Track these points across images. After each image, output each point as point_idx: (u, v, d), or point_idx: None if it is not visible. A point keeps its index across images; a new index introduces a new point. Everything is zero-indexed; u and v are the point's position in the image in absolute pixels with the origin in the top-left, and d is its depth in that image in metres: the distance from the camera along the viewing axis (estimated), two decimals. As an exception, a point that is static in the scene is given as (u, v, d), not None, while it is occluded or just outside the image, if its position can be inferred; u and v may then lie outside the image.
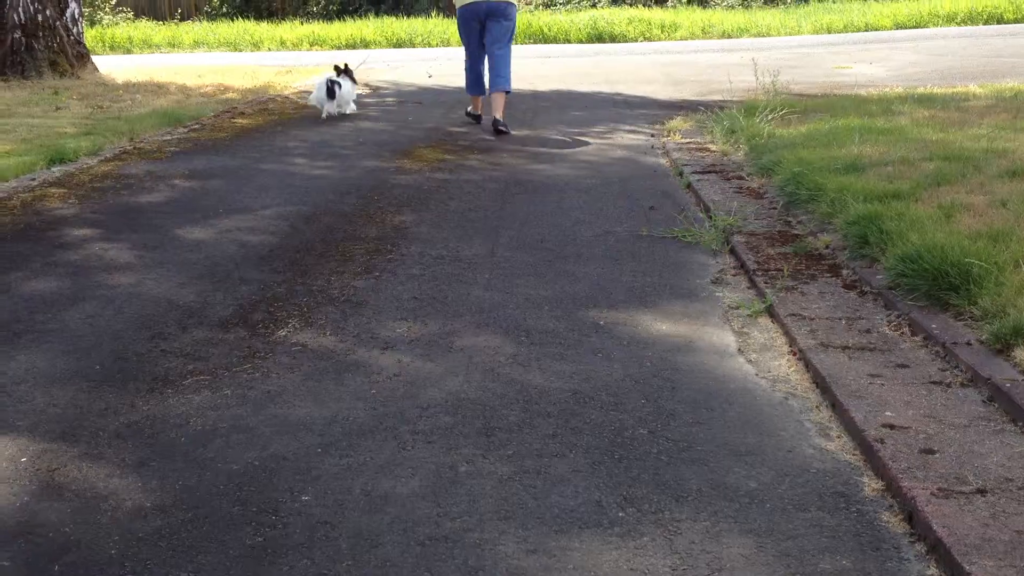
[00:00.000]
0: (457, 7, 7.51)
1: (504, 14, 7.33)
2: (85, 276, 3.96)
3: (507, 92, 7.40)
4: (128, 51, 18.03)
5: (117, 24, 20.37)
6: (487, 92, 7.63)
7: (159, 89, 10.39)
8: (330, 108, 8.22)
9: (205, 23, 20.52)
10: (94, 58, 12.07)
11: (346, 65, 8.39)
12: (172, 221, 4.85)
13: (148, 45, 18.48)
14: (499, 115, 7.36)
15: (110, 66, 12.61)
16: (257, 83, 11.07)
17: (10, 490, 2.28)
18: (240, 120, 8.48)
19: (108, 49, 18.07)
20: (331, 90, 8.13)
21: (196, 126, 8.09)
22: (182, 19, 21.74)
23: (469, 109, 8.14)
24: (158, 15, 22.20)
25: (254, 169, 6.16)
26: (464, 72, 7.86)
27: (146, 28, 19.84)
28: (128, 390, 2.83)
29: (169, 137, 7.53)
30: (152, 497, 2.23)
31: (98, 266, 4.11)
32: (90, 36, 16.19)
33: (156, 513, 2.17)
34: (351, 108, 8.45)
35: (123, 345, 3.19)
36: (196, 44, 18.45)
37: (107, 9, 20.70)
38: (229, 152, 6.84)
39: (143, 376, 2.93)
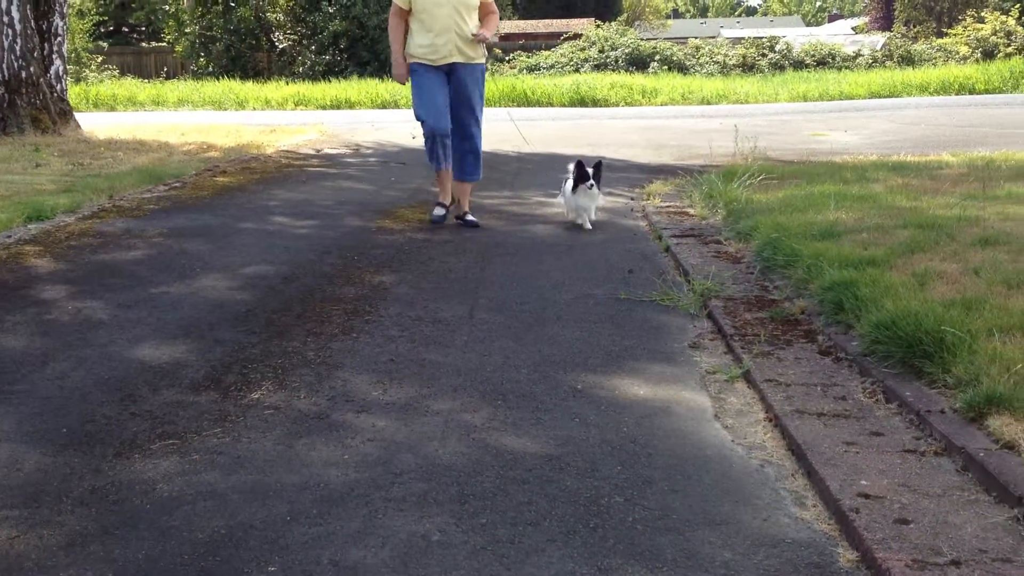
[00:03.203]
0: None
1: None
2: (57, 335, 3.91)
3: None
4: (112, 108, 18.14)
5: (102, 82, 20.54)
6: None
7: (141, 147, 10.43)
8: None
9: (190, 81, 20.73)
10: (78, 115, 12.13)
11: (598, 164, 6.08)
12: (148, 280, 4.82)
13: (132, 103, 18.62)
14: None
15: (93, 123, 12.67)
16: (240, 142, 11.14)
17: (-33, 558, 2.21)
18: (222, 178, 8.51)
19: (92, 106, 18.18)
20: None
21: (177, 184, 8.10)
22: (167, 78, 21.96)
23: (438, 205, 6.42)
24: (143, 73, 22.43)
25: (234, 228, 6.16)
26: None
27: (131, 86, 20.01)
28: (94, 454, 2.78)
29: (149, 195, 7.54)
30: (114, 567, 2.17)
31: (70, 325, 4.06)
32: (75, 93, 16.30)
33: (117, 583, 2.10)
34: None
35: (92, 407, 3.14)
36: (180, 102, 18.60)
37: (93, 67, 20.89)
38: (209, 210, 6.84)
39: (110, 440, 2.88)
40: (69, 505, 2.47)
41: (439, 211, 6.39)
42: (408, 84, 6.17)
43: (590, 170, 5.90)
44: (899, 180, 6.51)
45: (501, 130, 12.59)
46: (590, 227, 6.02)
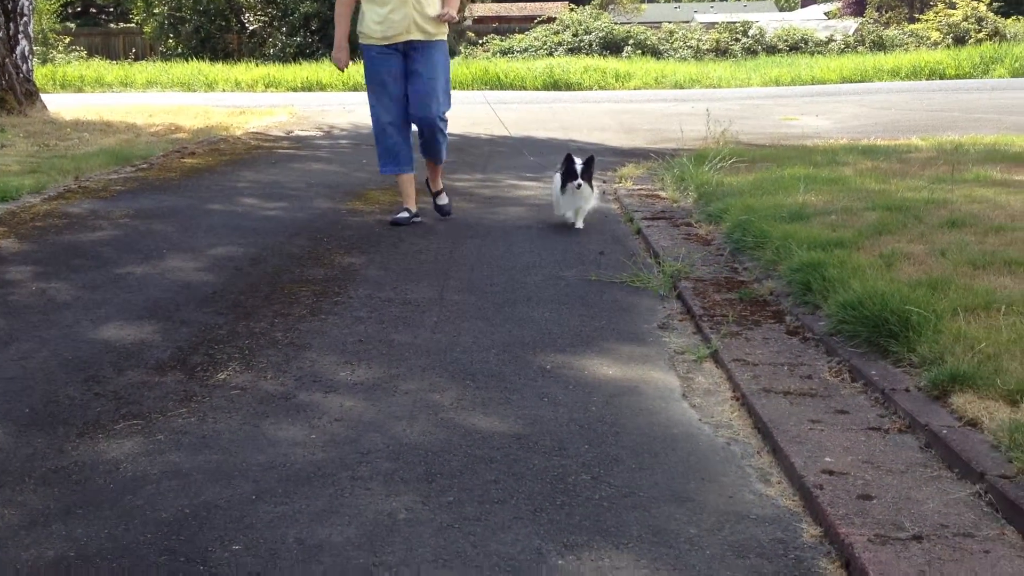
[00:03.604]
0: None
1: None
2: (20, 316, 3.85)
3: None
4: (80, 89, 17.85)
5: (70, 63, 20.18)
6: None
7: (108, 128, 10.27)
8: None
9: (159, 63, 20.42)
10: (44, 96, 11.91)
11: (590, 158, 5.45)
12: (114, 261, 4.76)
13: (100, 84, 18.32)
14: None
15: (60, 104, 12.45)
16: (209, 123, 11.00)
17: (-76, 540, 2.18)
18: (190, 160, 8.40)
19: (59, 87, 17.87)
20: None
21: (144, 165, 7.99)
22: (136, 59, 21.61)
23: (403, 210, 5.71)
24: (112, 55, 22.07)
25: (202, 209, 6.08)
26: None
27: (99, 67, 19.68)
28: (58, 434, 2.74)
29: (115, 176, 7.42)
30: (76, 546, 2.14)
31: (35, 306, 3.99)
32: (41, 74, 16.00)
33: (79, 563, 2.08)
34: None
35: (55, 388, 3.09)
36: (149, 84, 18.34)
37: (60, 48, 20.52)
38: (177, 192, 6.76)
39: (74, 420, 2.84)
40: (31, 485, 2.43)
41: (401, 214, 5.66)
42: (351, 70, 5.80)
43: (579, 166, 5.26)
44: (869, 163, 6.56)
45: (474, 113, 12.54)
46: (580, 226, 5.45)
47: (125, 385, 3.11)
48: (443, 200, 5.96)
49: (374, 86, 5.51)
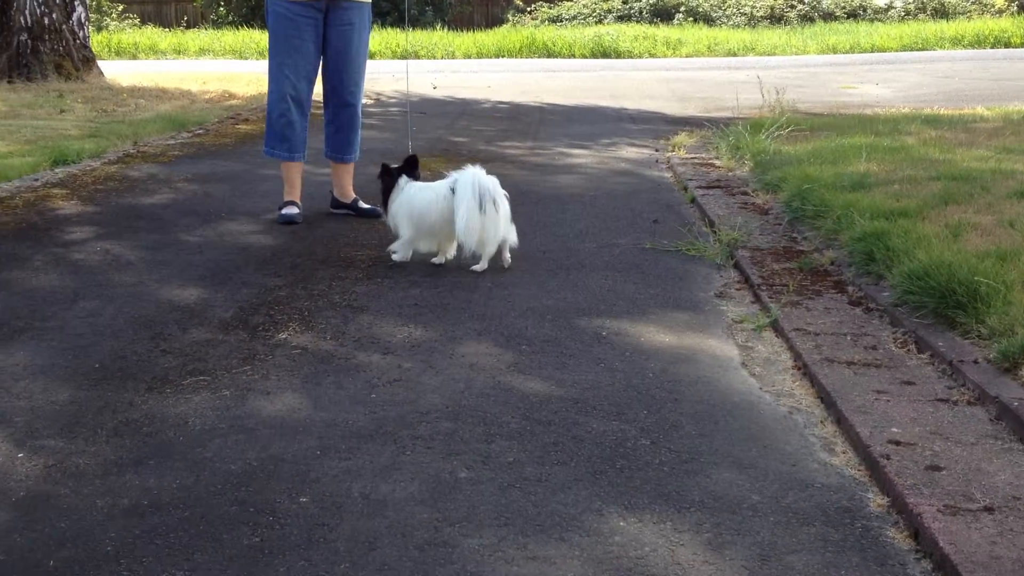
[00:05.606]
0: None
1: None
2: (86, 275, 3.94)
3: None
4: (134, 57, 18.07)
5: (123, 30, 20.43)
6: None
7: (163, 94, 10.40)
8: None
9: (211, 31, 20.58)
10: (100, 63, 12.08)
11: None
12: (174, 223, 4.84)
13: (154, 51, 18.52)
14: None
15: (115, 71, 12.62)
16: (261, 90, 11.05)
17: (6, 484, 2.25)
18: (243, 126, 8.49)
19: (114, 55, 18.11)
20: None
21: (200, 131, 8.09)
22: (188, 27, 21.80)
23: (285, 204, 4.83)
24: (164, 22, 22.28)
25: (256, 174, 6.15)
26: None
27: (152, 35, 19.89)
28: (127, 388, 2.81)
29: (172, 141, 7.53)
30: (149, 495, 2.20)
31: (99, 265, 4.08)
32: (96, 41, 16.23)
33: (153, 511, 2.14)
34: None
35: (123, 344, 3.16)
36: (201, 51, 18.50)
37: (114, 15, 20.77)
38: (232, 157, 6.84)
39: (142, 375, 2.91)
40: (104, 436, 2.50)
41: (291, 210, 4.77)
42: None
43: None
44: (932, 133, 6.39)
45: (523, 81, 12.47)
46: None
47: (190, 343, 3.17)
48: (363, 204, 4.95)
49: (282, 54, 4.63)
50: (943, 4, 21.01)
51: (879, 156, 5.41)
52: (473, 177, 3.82)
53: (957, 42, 17.27)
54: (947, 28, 18.05)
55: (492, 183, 3.82)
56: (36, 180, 5.86)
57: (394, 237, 4.14)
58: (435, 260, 4.07)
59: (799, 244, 4.26)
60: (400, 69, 14.57)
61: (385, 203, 4.11)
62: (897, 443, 2.37)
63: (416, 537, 2.04)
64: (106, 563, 1.95)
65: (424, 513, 2.13)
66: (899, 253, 3.49)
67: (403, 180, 4.04)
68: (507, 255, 4.00)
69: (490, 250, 3.92)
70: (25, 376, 2.90)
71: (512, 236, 3.96)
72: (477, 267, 3.96)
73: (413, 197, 3.99)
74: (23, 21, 10.79)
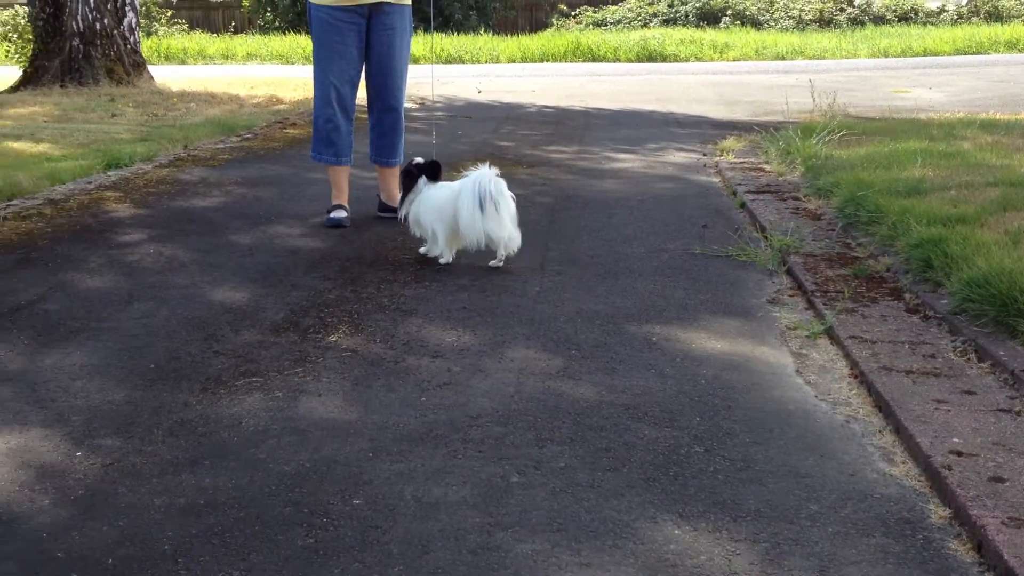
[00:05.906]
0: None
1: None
2: (140, 277, 4.01)
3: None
4: (183, 62, 18.40)
5: (172, 36, 20.80)
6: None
7: (212, 99, 10.56)
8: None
9: (258, 36, 20.87)
10: (149, 68, 12.32)
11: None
12: (225, 226, 4.90)
13: (202, 56, 18.84)
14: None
15: (165, 76, 12.86)
16: (307, 95, 11.17)
17: (65, 483, 2.29)
18: (291, 130, 8.58)
19: (163, 60, 18.45)
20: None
21: (248, 135, 8.19)
22: (235, 32, 22.13)
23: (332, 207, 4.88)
24: (212, 28, 22.64)
25: (304, 178, 6.21)
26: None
27: (200, 40, 20.23)
28: (181, 389, 2.85)
29: (222, 145, 7.64)
30: (205, 495, 2.23)
31: (152, 267, 4.15)
32: (146, 46, 16.55)
33: (209, 511, 2.16)
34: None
35: (177, 345, 3.21)
36: (249, 57, 18.77)
37: (163, 21, 21.14)
38: (280, 161, 6.91)
39: (196, 376, 2.94)
40: (159, 436, 2.54)
41: (339, 213, 4.82)
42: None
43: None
44: (989, 138, 6.25)
45: (568, 85, 12.44)
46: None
47: (243, 344, 3.21)
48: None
49: (326, 60, 4.66)
50: (997, 7, 20.57)
51: (934, 161, 5.30)
52: (476, 177, 3.91)
53: (1012, 46, 16.89)
54: (1001, 32, 17.66)
55: (495, 184, 3.90)
56: (89, 183, 5.98)
57: (416, 240, 4.27)
58: (442, 260, 4.18)
59: (853, 250, 4.19)
60: (445, 74, 14.65)
61: (401, 204, 4.21)
62: (959, 453, 2.31)
63: (469, 541, 2.04)
64: (163, 562, 1.97)
65: (476, 517, 2.13)
66: (958, 260, 3.41)
67: (422, 182, 4.12)
68: (502, 253, 4.06)
69: (502, 249, 4.03)
70: (82, 376, 2.95)
71: (516, 239, 4.02)
72: (493, 263, 4.10)
73: (432, 196, 4.09)
74: (75, 27, 11.04)
